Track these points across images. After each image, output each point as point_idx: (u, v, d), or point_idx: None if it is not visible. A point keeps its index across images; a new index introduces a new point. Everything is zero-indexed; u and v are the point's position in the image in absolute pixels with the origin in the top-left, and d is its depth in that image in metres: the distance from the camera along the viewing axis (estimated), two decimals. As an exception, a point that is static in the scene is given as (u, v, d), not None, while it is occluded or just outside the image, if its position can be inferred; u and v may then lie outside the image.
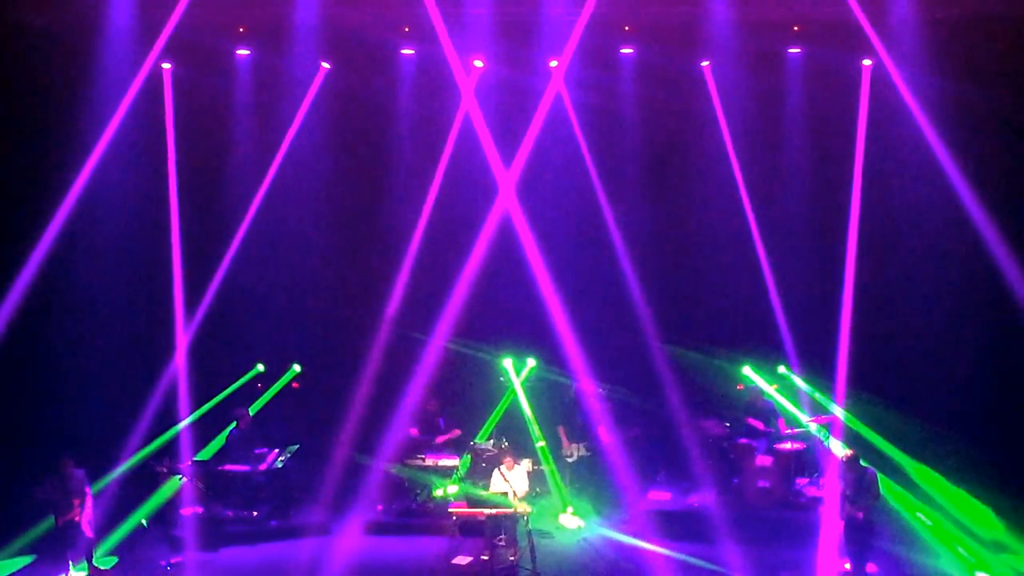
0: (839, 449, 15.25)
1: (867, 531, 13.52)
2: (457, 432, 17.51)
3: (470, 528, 14.90)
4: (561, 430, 17.50)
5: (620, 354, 18.19)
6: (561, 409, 17.96)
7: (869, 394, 17.37)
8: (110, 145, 17.74)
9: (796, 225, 18.66)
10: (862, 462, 13.81)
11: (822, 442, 16.42)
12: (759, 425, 17.08)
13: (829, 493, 15.22)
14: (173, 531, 15.34)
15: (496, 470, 15.16)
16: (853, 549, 13.55)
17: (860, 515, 13.41)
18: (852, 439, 16.66)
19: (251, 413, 17.25)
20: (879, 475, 13.92)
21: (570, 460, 17.24)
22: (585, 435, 17.39)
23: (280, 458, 16.43)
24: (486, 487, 15.13)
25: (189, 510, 15.69)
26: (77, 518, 14.17)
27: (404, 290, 18.67)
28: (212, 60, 18.28)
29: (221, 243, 18.66)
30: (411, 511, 16.53)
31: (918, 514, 15.58)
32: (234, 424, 16.85)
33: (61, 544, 14.22)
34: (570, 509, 16.31)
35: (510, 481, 14.89)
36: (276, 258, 18.95)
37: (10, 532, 14.93)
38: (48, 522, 14.52)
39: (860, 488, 13.52)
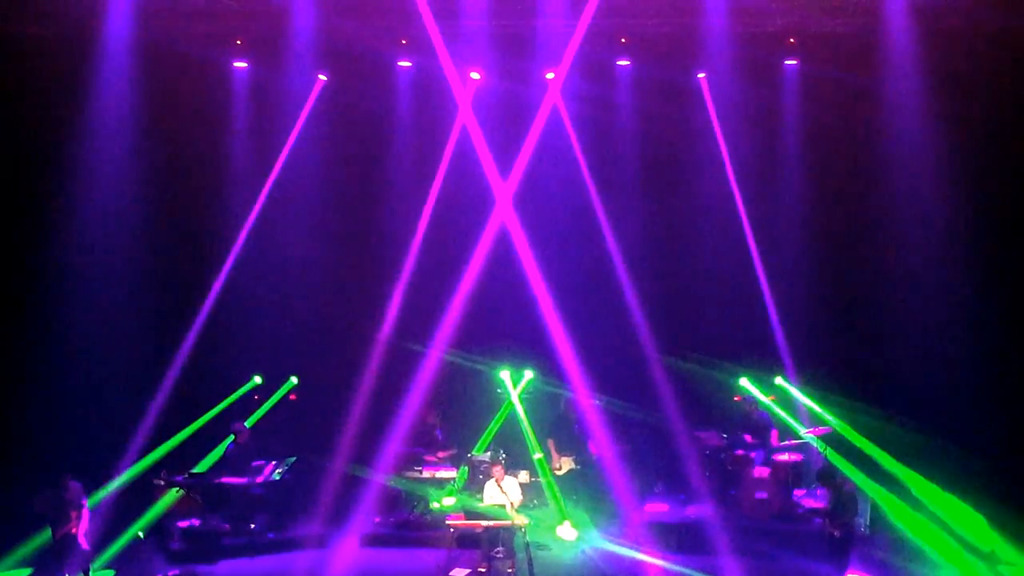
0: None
1: (846, 546, 13.49)
2: (452, 451, 17.56)
3: (467, 540, 14.89)
4: (551, 443, 17.49)
5: (618, 366, 18.15)
6: (553, 421, 17.92)
7: (866, 405, 17.36)
8: (107, 156, 17.79)
9: (793, 236, 18.67)
10: (838, 478, 13.90)
11: (820, 453, 16.41)
12: (748, 438, 17.11)
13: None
14: (170, 544, 15.33)
15: (490, 482, 15.16)
16: (834, 564, 13.55)
17: (836, 531, 13.42)
18: (849, 450, 16.71)
19: (248, 427, 17.20)
20: (861, 490, 13.97)
21: (559, 473, 17.24)
22: (576, 448, 17.38)
23: (277, 470, 16.40)
24: (483, 499, 15.14)
25: (186, 523, 15.69)
26: (74, 531, 14.13)
27: (402, 302, 18.69)
28: (209, 72, 18.30)
29: (218, 255, 18.68)
30: (408, 523, 16.51)
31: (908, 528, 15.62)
32: (232, 438, 16.81)
33: (59, 557, 14.15)
34: (567, 521, 16.28)
35: (505, 492, 14.89)
36: (273, 270, 18.94)
37: (6, 545, 14.90)
38: (45, 535, 14.48)
39: (837, 504, 13.55)
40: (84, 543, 14.18)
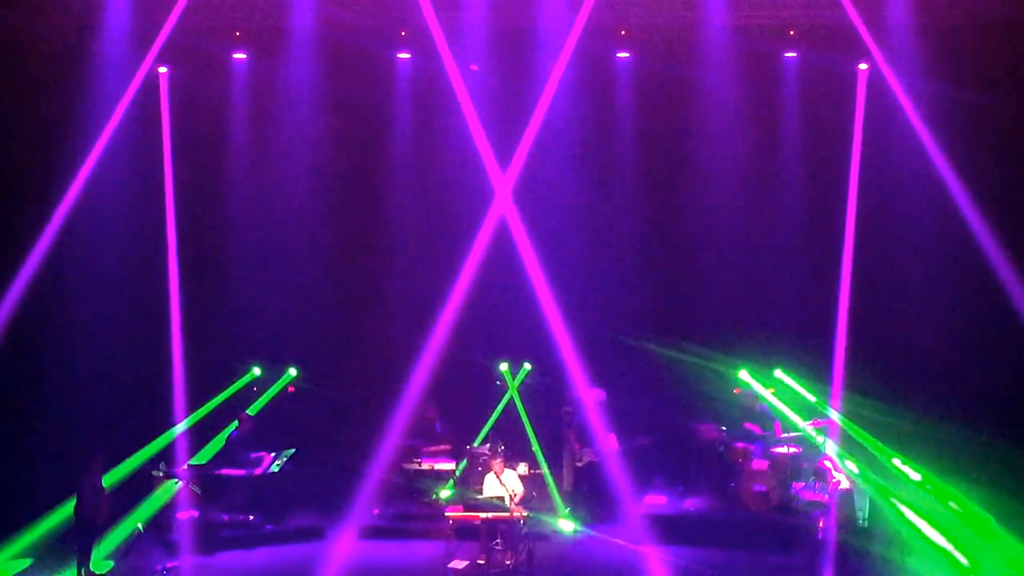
0: (833, 453, 15.31)
1: (843, 541, 13.53)
2: (449, 446, 17.50)
3: (466, 532, 14.91)
4: (572, 435, 17.43)
5: (616, 358, 18.15)
6: (573, 413, 17.83)
7: (866, 397, 17.36)
8: (107, 148, 17.76)
9: (792, 229, 18.65)
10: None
11: (819, 446, 16.41)
12: (756, 429, 17.08)
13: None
14: (169, 535, 15.32)
15: (490, 474, 15.14)
16: (832, 558, 13.59)
17: (832, 530, 13.48)
18: (849, 442, 16.70)
19: (252, 416, 17.21)
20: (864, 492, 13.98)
21: (579, 464, 17.19)
22: (590, 442, 17.34)
23: (276, 462, 16.42)
24: (482, 491, 15.13)
25: (185, 514, 15.69)
26: (103, 513, 14.41)
27: (400, 294, 18.70)
28: (209, 64, 18.28)
29: (217, 247, 18.68)
30: (408, 515, 16.50)
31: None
32: (235, 425, 16.83)
33: (91, 540, 14.33)
34: (568, 512, 16.28)
35: (505, 485, 14.88)
36: (272, 262, 18.91)
37: (6, 535, 14.94)
38: (55, 517, 14.57)
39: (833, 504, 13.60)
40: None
